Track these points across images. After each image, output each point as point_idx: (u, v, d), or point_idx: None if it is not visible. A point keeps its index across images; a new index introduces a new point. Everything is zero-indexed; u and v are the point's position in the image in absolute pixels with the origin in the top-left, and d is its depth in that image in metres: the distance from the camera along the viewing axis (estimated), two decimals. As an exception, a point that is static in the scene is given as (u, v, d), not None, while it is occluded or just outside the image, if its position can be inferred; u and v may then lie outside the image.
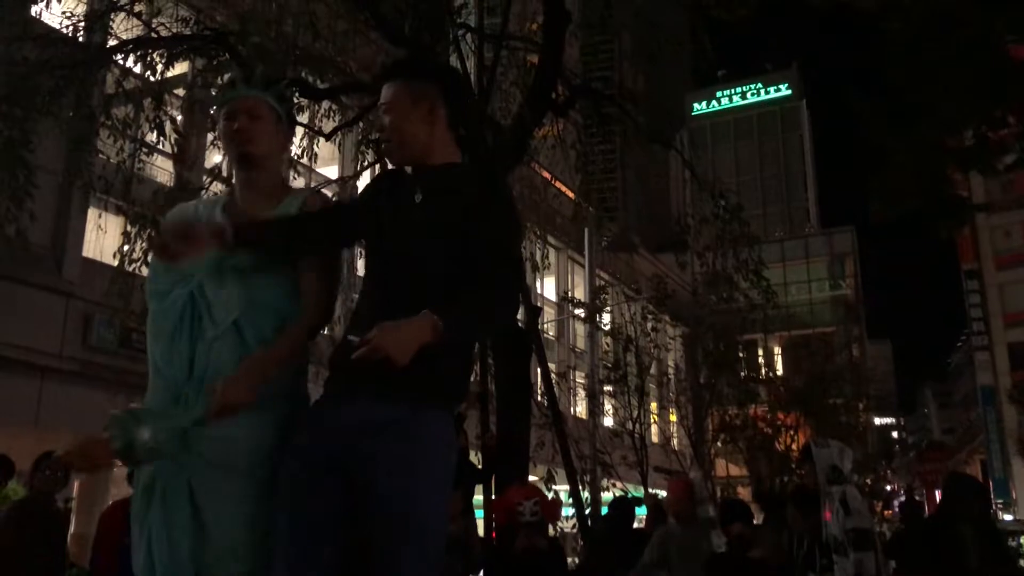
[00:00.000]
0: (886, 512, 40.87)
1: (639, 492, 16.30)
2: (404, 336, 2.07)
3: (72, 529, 12.03)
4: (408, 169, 2.52)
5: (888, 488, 47.78)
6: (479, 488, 7.79)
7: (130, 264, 8.91)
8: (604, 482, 15.78)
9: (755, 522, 6.71)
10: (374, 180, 2.70)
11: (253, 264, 2.40)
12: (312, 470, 2.20)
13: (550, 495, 7.39)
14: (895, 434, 76.21)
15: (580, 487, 10.86)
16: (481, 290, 2.25)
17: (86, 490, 14.63)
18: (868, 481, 38.34)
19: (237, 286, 2.36)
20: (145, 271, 8.81)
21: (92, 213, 13.59)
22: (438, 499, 2.26)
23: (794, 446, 26.59)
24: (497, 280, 2.30)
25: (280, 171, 2.63)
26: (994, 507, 42.47)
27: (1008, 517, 41.04)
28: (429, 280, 2.28)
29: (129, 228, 9.11)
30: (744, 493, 23.77)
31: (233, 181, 2.70)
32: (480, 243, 2.30)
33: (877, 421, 56.83)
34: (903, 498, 31.74)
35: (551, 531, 6.50)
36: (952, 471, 27.43)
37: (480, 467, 7.36)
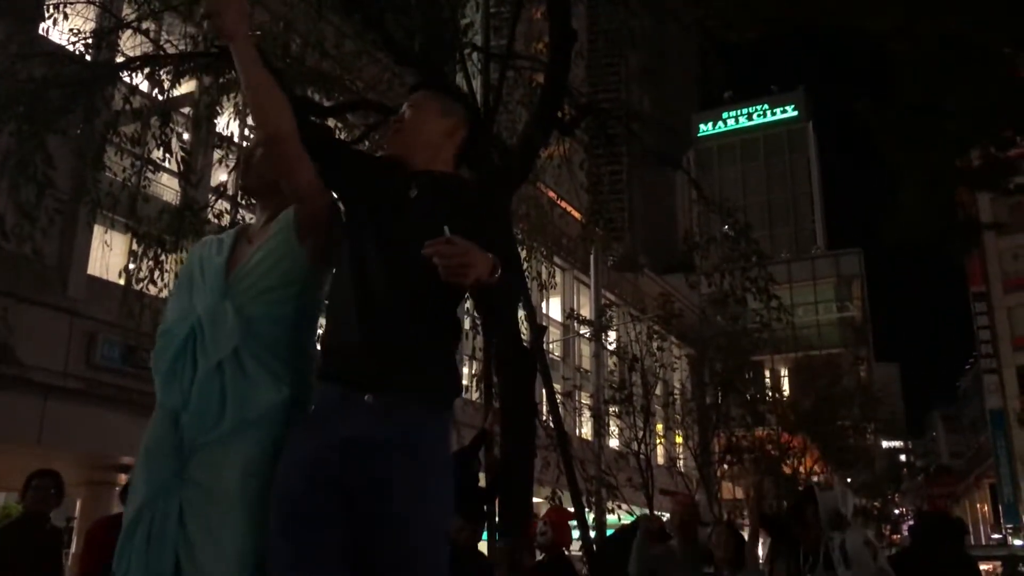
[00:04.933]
0: (894, 536, 40.60)
1: (645, 513, 16.19)
2: (481, 261, 2.03)
3: (73, 549, 11.97)
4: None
5: (896, 512, 47.49)
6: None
7: (137, 283, 8.89)
8: (609, 504, 15.65)
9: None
10: (373, 155, 2.67)
11: (253, 295, 2.37)
12: (314, 488, 2.13)
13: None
14: (903, 457, 75.78)
15: (585, 509, 10.77)
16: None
17: (89, 509, 14.59)
18: (876, 504, 38.11)
19: (234, 317, 2.33)
20: (152, 289, 8.81)
21: (98, 231, 13.62)
22: (446, 516, 2.26)
23: (801, 468, 26.46)
24: (508, 278, 2.25)
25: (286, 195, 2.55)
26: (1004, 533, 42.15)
27: (1019, 542, 40.70)
28: (418, 281, 2.21)
29: (135, 246, 9.10)
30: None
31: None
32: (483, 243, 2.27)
33: (885, 444, 56.62)
34: (911, 522, 31.51)
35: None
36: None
37: (484, 489, 7.27)
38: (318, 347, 2.51)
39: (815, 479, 27.05)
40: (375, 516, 2.12)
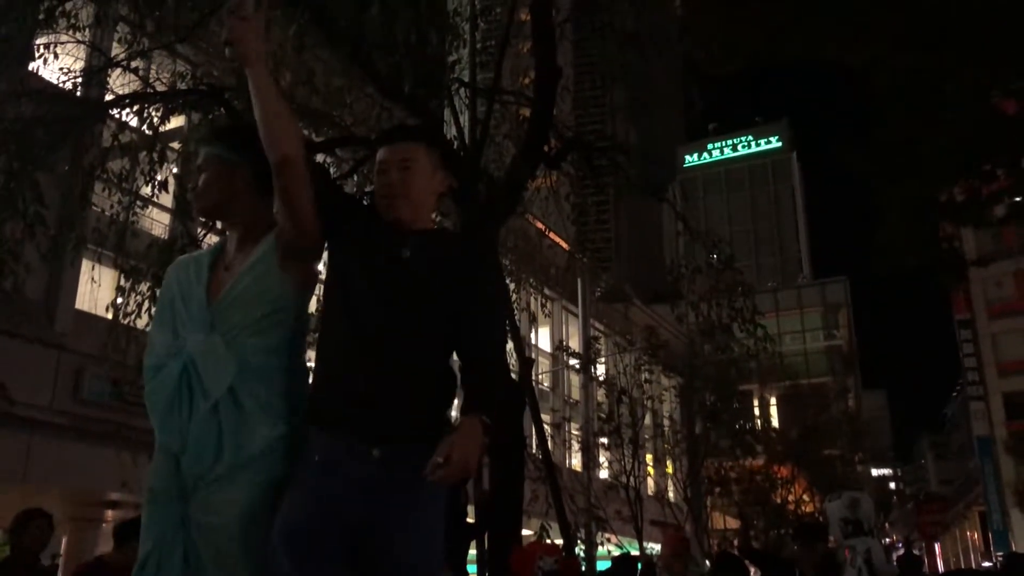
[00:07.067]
0: (885, 565, 40.31)
1: (634, 546, 16.12)
2: (475, 451, 2.15)
3: (58, 587, 11.82)
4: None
5: (886, 540, 47.33)
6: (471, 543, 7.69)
7: (124, 317, 8.87)
8: (599, 536, 15.58)
9: None
10: (365, 205, 2.63)
11: (243, 326, 2.37)
12: (323, 537, 2.19)
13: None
14: (892, 485, 75.66)
15: (574, 542, 10.73)
16: (485, 371, 2.34)
17: (74, 547, 14.43)
18: (866, 533, 37.85)
19: (227, 353, 2.33)
20: (140, 324, 8.79)
21: (86, 265, 13.58)
22: (441, 556, 2.38)
23: (790, 498, 26.40)
24: (494, 356, 2.41)
25: (256, 214, 2.52)
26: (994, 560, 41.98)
27: (1008, 570, 40.51)
28: (414, 338, 2.31)
29: (123, 281, 9.09)
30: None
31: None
32: (470, 312, 2.37)
33: (874, 472, 56.52)
34: (901, 551, 31.42)
35: None
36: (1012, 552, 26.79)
37: (473, 523, 7.27)
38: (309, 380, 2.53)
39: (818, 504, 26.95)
40: (381, 561, 2.21)
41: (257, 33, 2.32)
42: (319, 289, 2.59)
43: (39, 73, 9.48)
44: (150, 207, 10.76)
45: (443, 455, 2.09)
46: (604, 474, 19.74)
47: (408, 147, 2.51)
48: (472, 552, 7.89)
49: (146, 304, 8.73)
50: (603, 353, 20.45)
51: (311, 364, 2.50)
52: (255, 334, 2.37)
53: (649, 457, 21.09)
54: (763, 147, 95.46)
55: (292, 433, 2.36)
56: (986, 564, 48.65)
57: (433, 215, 2.60)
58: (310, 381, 2.44)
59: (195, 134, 9.55)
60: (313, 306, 2.67)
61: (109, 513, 14.29)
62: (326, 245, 2.50)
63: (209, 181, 2.53)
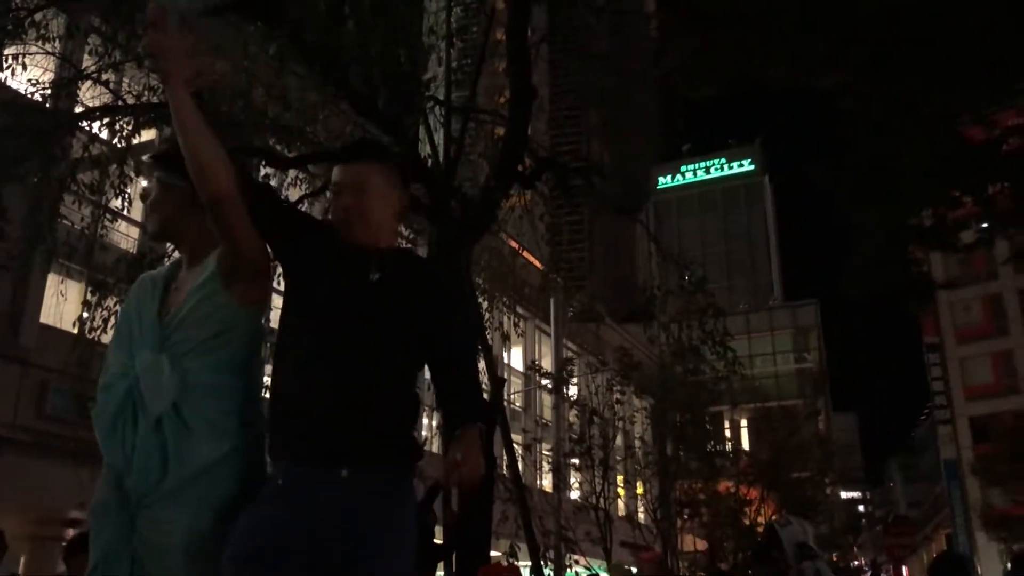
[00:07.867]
0: (853, 588, 40.54)
1: (604, 567, 16.06)
2: (481, 456, 2.25)
3: (17, 606, 11.56)
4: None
5: (854, 563, 47.53)
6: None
7: (91, 332, 8.75)
8: (568, 558, 15.50)
9: None
10: (326, 226, 2.54)
11: (189, 347, 2.34)
12: (290, 563, 2.13)
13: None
14: (861, 508, 76.08)
15: (543, 564, 10.67)
16: (469, 383, 2.43)
17: (33, 566, 14.16)
18: (834, 557, 38.12)
19: (171, 371, 2.30)
20: (106, 339, 8.67)
21: (53, 279, 13.40)
22: (411, 569, 2.34)
23: (760, 519, 26.47)
24: (473, 370, 2.52)
25: (201, 233, 2.46)
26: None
27: (974, 593, 40.88)
28: (385, 362, 2.29)
29: (90, 296, 8.98)
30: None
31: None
32: (446, 336, 2.40)
33: (843, 495, 56.87)
34: (868, 573, 31.55)
35: None
36: (939, 552, 27.15)
37: (441, 544, 7.20)
38: (265, 394, 2.48)
39: (773, 518, 27.05)
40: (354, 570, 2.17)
41: (181, 52, 2.21)
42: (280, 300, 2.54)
43: (7, 83, 9.37)
44: (119, 221, 10.64)
45: (458, 455, 2.17)
46: (574, 495, 19.68)
47: (361, 168, 2.43)
48: (440, 574, 7.82)
49: (112, 319, 8.63)
50: (575, 373, 20.41)
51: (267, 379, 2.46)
52: (203, 353, 2.35)
53: (620, 478, 21.08)
54: (736, 170, 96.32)
55: (241, 452, 2.33)
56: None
57: (401, 231, 2.57)
58: (267, 403, 2.39)
59: (166, 147, 9.45)
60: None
61: (70, 532, 14.02)
62: (283, 263, 2.44)
63: (153, 206, 2.53)
